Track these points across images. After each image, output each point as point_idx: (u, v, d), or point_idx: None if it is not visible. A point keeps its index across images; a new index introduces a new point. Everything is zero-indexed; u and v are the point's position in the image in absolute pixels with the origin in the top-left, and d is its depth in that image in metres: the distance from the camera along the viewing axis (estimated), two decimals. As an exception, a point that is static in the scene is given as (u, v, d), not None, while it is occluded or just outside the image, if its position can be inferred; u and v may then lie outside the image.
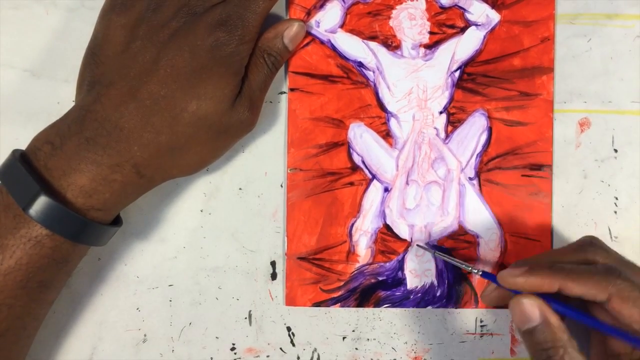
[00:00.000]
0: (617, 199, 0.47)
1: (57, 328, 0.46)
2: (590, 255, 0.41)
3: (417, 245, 0.46)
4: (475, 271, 0.43)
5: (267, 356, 0.47)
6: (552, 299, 0.39)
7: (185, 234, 0.47)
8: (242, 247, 0.47)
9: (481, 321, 0.47)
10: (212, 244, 0.47)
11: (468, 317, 0.47)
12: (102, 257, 0.46)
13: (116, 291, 0.47)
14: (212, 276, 0.47)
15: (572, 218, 0.47)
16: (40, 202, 0.37)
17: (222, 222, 0.47)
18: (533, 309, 0.39)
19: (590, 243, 0.42)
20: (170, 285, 0.47)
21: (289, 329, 0.47)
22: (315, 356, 0.47)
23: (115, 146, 0.38)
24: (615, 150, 0.47)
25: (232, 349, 0.47)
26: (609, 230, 0.47)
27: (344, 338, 0.47)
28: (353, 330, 0.47)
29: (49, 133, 0.39)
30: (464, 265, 0.44)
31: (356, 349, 0.47)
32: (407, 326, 0.47)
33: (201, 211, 0.47)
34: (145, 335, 0.47)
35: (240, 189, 0.47)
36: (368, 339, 0.47)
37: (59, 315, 0.46)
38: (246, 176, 0.47)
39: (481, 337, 0.47)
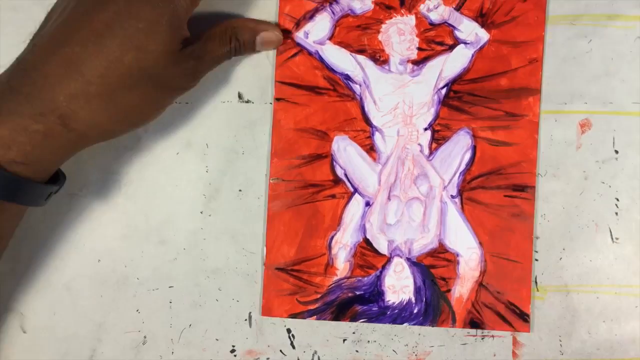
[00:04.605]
0: (618, 200, 0.47)
1: (56, 329, 0.47)
2: None
3: None
4: None
5: (267, 358, 0.47)
6: None
7: (185, 235, 0.47)
8: (242, 248, 0.47)
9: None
10: (212, 245, 0.47)
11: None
12: (102, 258, 0.47)
13: (116, 293, 0.47)
14: (212, 278, 0.47)
15: (572, 219, 0.47)
16: None
17: (222, 223, 0.47)
18: None
19: None
20: (170, 287, 0.47)
21: (289, 331, 0.47)
22: (316, 359, 0.47)
23: (38, 95, 0.37)
24: (616, 152, 0.47)
25: (232, 351, 0.47)
26: (610, 231, 0.47)
27: (344, 340, 0.47)
28: (353, 333, 0.47)
29: None
30: None
31: (357, 351, 0.47)
32: (408, 328, 0.47)
33: (201, 213, 0.47)
34: (145, 337, 0.47)
35: (240, 190, 0.47)
36: (369, 341, 0.47)
37: (59, 316, 0.47)
38: (246, 178, 0.47)
39: (482, 339, 0.47)
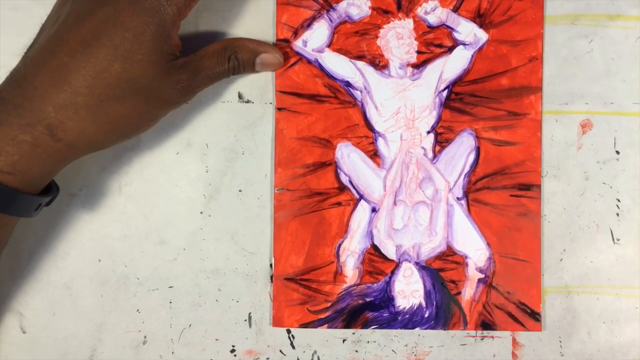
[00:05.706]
0: (619, 200, 0.47)
1: (56, 330, 0.47)
2: None
3: None
4: None
5: (267, 358, 0.47)
6: None
7: (185, 235, 0.47)
8: (242, 249, 0.47)
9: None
10: (212, 245, 0.47)
11: (468, 321, 0.47)
12: (102, 258, 0.47)
13: (116, 293, 0.47)
14: (212, 278, 0.47)
15: (573, 220, 0.47)
16: None
17: (222, 224, 0.47)
18: None
19: None
20: (170, 287, 0.47)
21: (288, 331, 0.47)
22: (315, 358, 0.47)
23: (27, 105, 0.37)
24: (617, 152, 0.47)
25: (232, 351, 0.47)
26: (611, 232, 0.47)
27: (343, 340, 0.47)
28: (353, 333, 0.47)
29: None
30: None
31: (356, 351, 0.47)
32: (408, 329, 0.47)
33: (201, 213, 0.47)
34: (145, 337, 0.47)
35: (240, 190, 0.47)
36: (368, 342, 0.47)
37: (58, 316, 0.47)
38: (246, 178, 0.47)
39: (482, 339, 0.47)
